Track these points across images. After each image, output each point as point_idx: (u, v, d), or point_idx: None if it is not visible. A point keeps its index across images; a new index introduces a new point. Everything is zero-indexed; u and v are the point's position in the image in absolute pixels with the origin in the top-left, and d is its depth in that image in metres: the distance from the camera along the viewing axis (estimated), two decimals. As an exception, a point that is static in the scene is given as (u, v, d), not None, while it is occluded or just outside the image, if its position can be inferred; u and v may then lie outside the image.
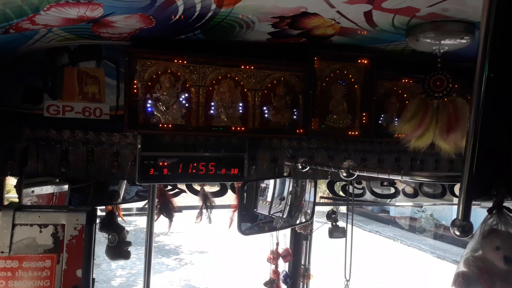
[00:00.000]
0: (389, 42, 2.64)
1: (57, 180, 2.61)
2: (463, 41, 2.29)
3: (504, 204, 1.29)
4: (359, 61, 2.77)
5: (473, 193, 1.25)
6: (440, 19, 2.19)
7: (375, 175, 1.85)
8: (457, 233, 1.26)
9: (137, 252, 14.20)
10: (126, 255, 2.92)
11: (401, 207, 17.62)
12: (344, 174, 2.09)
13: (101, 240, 2.84)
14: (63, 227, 2.04)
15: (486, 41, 1.20)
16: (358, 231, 18.01)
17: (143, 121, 2.42)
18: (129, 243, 2.93)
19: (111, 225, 2.85)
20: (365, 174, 1.96)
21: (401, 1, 1.92)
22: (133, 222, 14.78)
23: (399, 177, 1.68)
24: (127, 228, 3.00)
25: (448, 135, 2.42)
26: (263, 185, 3.31)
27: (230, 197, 3.21)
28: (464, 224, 1.25)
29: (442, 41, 2.32)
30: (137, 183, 2.49)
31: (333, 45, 2.69)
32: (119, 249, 2.86)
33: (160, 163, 2.46)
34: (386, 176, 1.76)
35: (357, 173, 2.03)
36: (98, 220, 2.83)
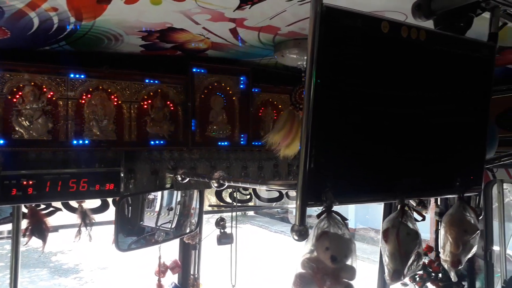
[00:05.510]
0: (261, 57, 2.79)
1: None
2: (324, 57, 2.51)
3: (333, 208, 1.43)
4: (235, 74, 2.89)
5: (307, 200, 1.37)
6: (300, 37, 2.38)
7: (240, 184, 1.94)
8: (296, 237, 1.37)
9: (29, 275, 12.92)
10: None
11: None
12: (216, 185, 2.15)
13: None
14: None
15: (313, 53, 1.33)
16: (265, 233, 18.55)
17: (3, 137, 2.24)
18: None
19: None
20: (232, 183, 2.05)
21: (260, 20, 2.05)
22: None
23: (257, 186, 1.78)
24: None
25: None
26: (150, 196, 3.25)
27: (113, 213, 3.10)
28: (301, 229, 1.37)
29: (305, 57, 2.52)
30: (-4, 205, 2.30)
31: (209, 58, 2.76)
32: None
33: (24, 182, 2.29)
34: (247, 185, 1.86)
35: (226, 183, 2.11)
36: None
